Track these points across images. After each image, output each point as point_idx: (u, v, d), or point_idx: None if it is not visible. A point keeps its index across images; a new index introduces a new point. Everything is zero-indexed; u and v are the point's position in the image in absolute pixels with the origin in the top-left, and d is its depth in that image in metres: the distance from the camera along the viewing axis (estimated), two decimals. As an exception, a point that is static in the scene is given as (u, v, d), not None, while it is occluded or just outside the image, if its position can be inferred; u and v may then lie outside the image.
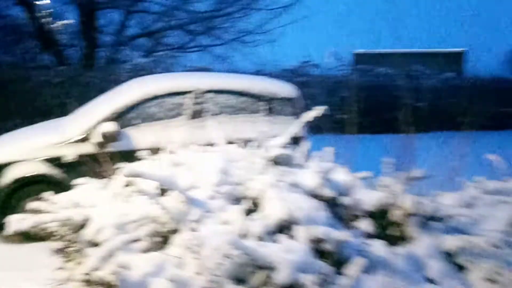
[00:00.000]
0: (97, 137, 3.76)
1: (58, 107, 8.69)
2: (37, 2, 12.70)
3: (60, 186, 3.74)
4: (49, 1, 13.04)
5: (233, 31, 14.59)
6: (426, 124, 10.96)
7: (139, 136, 3.89)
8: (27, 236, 3.37)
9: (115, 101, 3.97)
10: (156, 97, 4.00)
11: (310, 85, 9.29)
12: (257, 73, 10.22)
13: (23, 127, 8.60)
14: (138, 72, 9.27)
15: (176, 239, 1.13)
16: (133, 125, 3.93)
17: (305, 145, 1.61)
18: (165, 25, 13.83)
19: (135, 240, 1.20)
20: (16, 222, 1.56)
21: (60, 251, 1.86)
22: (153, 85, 4.04)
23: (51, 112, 8.71)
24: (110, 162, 3.83)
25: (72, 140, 3.77)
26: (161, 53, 10.94)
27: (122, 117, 3.90)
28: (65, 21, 15.67)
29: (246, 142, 4.11)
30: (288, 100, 4.35)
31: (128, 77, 9.13)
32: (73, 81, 8.78)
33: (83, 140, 3.79)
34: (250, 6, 13.72)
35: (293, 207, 1.09)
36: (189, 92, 4.08)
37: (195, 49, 14.67)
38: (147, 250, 1.16)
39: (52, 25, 12.95)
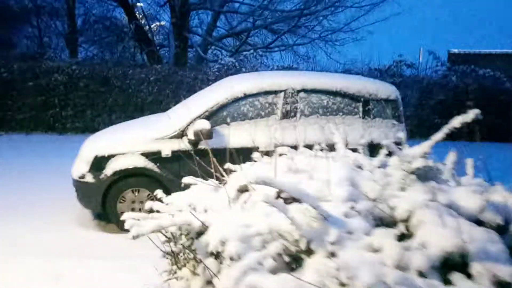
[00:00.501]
0: (190, 135, 3.80)
1: (153, 103, 9.23)
2: (136, 4, 13.66)
3: (156, 180, 3.87)
4: (145, 4, 13.97)
5: (319, 29, 14.30)
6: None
7: (231, 135, 3.87)
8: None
9: (208, 100, 3.99)
10: (248, 96, 3.94)
11: (403, 85, 8.66)
12: (344, 72, 9.84)
13: (123, 121, 9.50)
14: (226, 71, 9.47)
15: (310, 262, 0.97)
16: (225, 123, 3.92)
17: (452, 157, 1.36)
18: (251, 25, 14.06)
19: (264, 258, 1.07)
20: (134, 225, 1.51)
21: (170, 254, 1.81)
22: (245, 84, 3.98)
23: (147, 108, 9.30)
24: (205, 160, 3.89)
25: (168, 136, 3.86)
26: (246, 52, 11.07)
27: (215, 115, 3.91)
28: (160, 23, 16.73)
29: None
30: (388, 101, 4.01)
31: (217, 75, 9.40)
32: (166, 79, 9.21)
33: (178, 136, 3.86)
34: (338, 4, 13.31)
35: (463, 236, 0.87)
36: (282, 91, 3.95)
37: (280, 48, 14.69)
38: (276, 271, 1.02)
39: (148, 26, 13.86)
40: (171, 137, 3.86)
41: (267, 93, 3.95)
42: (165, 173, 3.84)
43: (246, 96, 3.93)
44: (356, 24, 13.54)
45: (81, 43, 15.83)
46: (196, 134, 3.72)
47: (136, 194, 3.91)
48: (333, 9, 13.51)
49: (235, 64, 9.62)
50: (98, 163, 3.87)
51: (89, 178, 3.87)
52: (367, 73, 9.79)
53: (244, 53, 11.00)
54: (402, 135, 4.14)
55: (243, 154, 3.94)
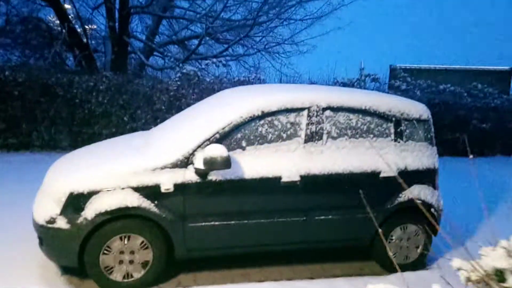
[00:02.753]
0: (199, 163, 3.01)
1: (103, 116, 8.07)
2: (64, 5, 12.25)
3: (152, 223, 3.02)
4: (77, 4, 12.58)
5: (264, 41, 14.06)
6: (491, 147, 10.15)
7: (247, 162, 3.15)
8: None
9: (218, 119, 3.22)
10: (266, 114, 3.25)
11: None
12: (309, 84, 9.49)
13: (66, 136, 8.18)
14: (189, 81, 8.62)
15: None
16: (240, 148, 3.19)
17: None
18: (197, 33, 13.35)
19: None
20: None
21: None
22: (263, 100, 3.29)
23: (95, 121, 8.10)
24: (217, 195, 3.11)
25: (169, 165, 3.03)
26: (208, 61, 10.29)
27: (227, 138, 3.16)
28: (92, 26, 15.29)
29: (373, 174, 3.37)
30: (420, 121, 3.56)
31: (179, 85, 8.51)
32: (119, 88, 8.12)
33: (182, 165, 3.04)
34: (283, 17, 13.20)
35: None
36: (305, 109, 3.32)
37: (228, 58, 14.09)
38: None
39: (82, 29, 12.50)
40: (173, 166, 3.03)
41: (288, 111, 3.30)
42: (165, 214, 2.99)
43: (264, 115, 3.24)
44: (299, 37, 13.72)
45: (1, 46, 13.86)
46: (207, 162, 2.95)
47: (126, 242, 3.00)
48: (281, 21, 13.42)
49: (197, 73, 8.81)
50: (75, 203, 2.91)
51: (62, 223, 2.89)
52: (332, 86, 9.54)
53: (206, 62, 10.21)
54: (435, 160, 3.75)
55: (263, 186, 3.27)
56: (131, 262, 3.03)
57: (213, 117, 3.30)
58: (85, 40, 11.64)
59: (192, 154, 3.07)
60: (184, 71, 8.63)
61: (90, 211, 2.89)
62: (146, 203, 2.96)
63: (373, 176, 3.35)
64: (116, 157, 3.22)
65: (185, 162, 3.06)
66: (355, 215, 3.35)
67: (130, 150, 3.36)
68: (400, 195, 3.42)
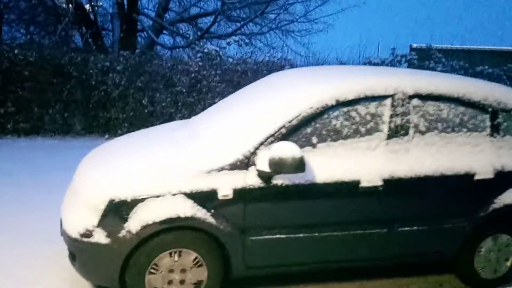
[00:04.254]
0: (263, 164, 2.46)
1: (120, 98, 7.49)
2: None
3: (208, 236, 2.49)
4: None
5: (278, 19, 13.34)
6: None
7: (319, 163, 2.59)
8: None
9: (283, 109, 2.65)
10: (342, 104, 2.67)
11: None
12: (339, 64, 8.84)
13: (81, 120, 7.60)
14: (211, 60, 7.99)
15: None
16: (310, 145, 2.63)
17: None
18: (208, 11, 12.65)
19: None
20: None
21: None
22: (337, 87, 2.71)
23: (112, 104, 7.52)
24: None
25: (226, 167, 2.48)
26: (230, 39, 9.61)
27: (295, 134, 2.59)
28: (99, 3, 14.55)
29: (467, 176, 2.81)
30: (521, 113, 2.98)
31: (200, 66, 7.88)
32: (137, 68, 7.52)
33: (241, 167, 2.49)
34: None
35: None
36: (388, 97, 2.74)
37: (242, 37, 13.37)
38: None
39: (90, 6, 11.81)
40: (231, 168, 2.48)
41: (368, 99, 2.71)
42: (222, 225, 2.46)
43: (339, 104, 2.66)
44: (314, 15, 13.03)
45: (6, 23, 13.18)
46: (275, 164, 2.39)
47: (176, 258, 2.48)
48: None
49: (219, 53, 8.17)
50: (116, 212, 2.38)
51: (100, 237, 2.37)
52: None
53: (228, 40, 9.53)
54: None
55: (337, 193, 2.73)
56: (181, 282, 2.51)
57: (275, 108, 2.73)
58: (92, 17, 11.03)
59: (254, 153, 2.52)
60: (206, 50, 7.99)
61: (135, 222, 2.36)
62: (201, 213, 2.42)
63: (466, 178, 2.79)
64: (162, 155, 2.66)
65: (246, 163, 2.50)
66: (443, 225, 2.81)
67: (176, 146, 2.80)
68: (496, 200, 2.87)
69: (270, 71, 8.21)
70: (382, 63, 8.90)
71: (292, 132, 2.58)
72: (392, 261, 2.93)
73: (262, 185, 2.50)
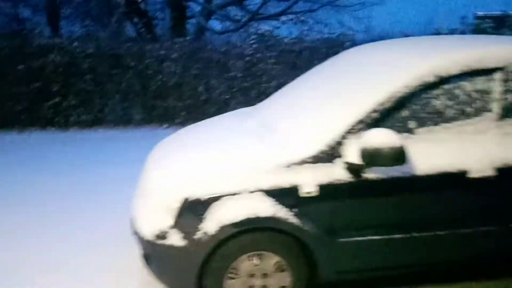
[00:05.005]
0: (352, 155, 2.14)
1: (175, 87, 7.41)
2: None
3: (291, 237, 2.22)
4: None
5: None
6: None
7: (419, 151, 2.21)
8: None
9: (370, 90, 2.29)
10: (443, 81, 2.26)
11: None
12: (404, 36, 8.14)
13: (139, 111, 7.64)
14: (265, 42, 7.66)
15: None
16: (406, 131, 2.25)
17: None
18: None
19: None
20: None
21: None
22: (437, 60, 2.29)
23: (168, 93, 7.47)
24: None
25: (308, 159, 2.18)
26: (285, 18, 9.20)
27: (388, 117, 2.23)
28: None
29: None
30: None
31: (255, 49, 7.58)
32: (191, 56, 7.37)
33: (325, 159, 2.18)
34: None
35: None
36: (498, 69, 2.28)
37: (296, 16, 12.81)
38: None
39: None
40: (314, 161, 2.18)
41: (473, 73, 2.27)
42: (307, 226, 2.17)
43: (440, 81, 2.25)
44: None
45: (64, 17, 13.63)
46: (368, 155, 2.06)
47: (257, 262, 2.25)
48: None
49: (273, 33, 7.81)
50: (191, 212, 2.18)
51: (176, 239, 2.18)
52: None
53: (282, 18, 9.13)
54: None
55: (441, 186, 2.33)
56: None
57: (362, 89, 2.37)
58: (143, 7, 11.08)
59: (340, 142, 2.19)
60: (260, 31, 7.65)
61: (212, 223, 2.14)
62: (282, 212, 2.15)
63: None
64: (236, 149, 2.41)
65: (331, 155, 2.19)
66: None
67: (249, 138, 2.53)
68: None
69: (328, 49, 7.74)
70: (452, 33, 8.07)
71: (384, 116, 2.21)
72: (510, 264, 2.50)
73: (351, 179, 2.18)
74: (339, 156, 2.18)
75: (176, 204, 2.19)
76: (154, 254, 2.29)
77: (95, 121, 7.25)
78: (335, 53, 7.67)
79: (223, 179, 2.19)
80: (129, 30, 13.65)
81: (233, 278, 2.24)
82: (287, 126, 2.48)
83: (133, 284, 2.64)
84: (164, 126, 7.34)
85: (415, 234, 2.27)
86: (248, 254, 2.22)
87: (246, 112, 3.26)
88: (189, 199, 2.17)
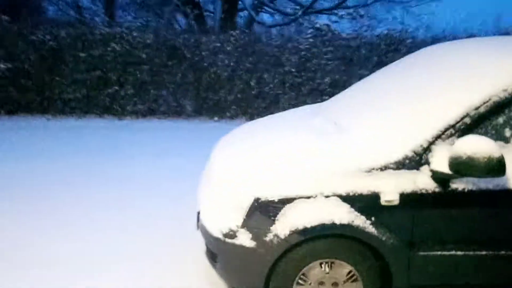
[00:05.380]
0: (440, 163, 1.96)
1: (229, 80, 7.39)
2: None
3: (366, 247, 2.09)
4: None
5: None
6: None
7: (515, 162, 1.99)
8: None
9: (463, 93, 2.09)
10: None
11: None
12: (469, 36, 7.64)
13: (192, 103, 7.68)
14: (321, 37, 7.47)
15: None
16: (501, 139, 2.04)
17: None
18: None
19: None
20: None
21: None
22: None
23: (221, 85, 7.47)
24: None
25: (391, 166, 2.03)
26: (343, 12, 8.94)
27: (479, 124, 2.03)
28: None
29: None
30: None
31: (311, 44, 7.40)
32: (245, 48, 7.32)
33: (410, 166, 2.02)
34: None
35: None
36: None
37: (354, 9, 12.41)
38: None
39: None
40: (397, 167, 2.03)
41: None
42: (384, 236, 2.03)
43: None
44: None
45: (121, 7, 14.01)
46: (459, 163, 1.87)
47: (327, 270, 2.14)
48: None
49: (330, 28, 7.58)
50: (262, 213, 2.10)
51: (245, 240, 2.11)
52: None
53: (341, 13, 8.87)
54: None
55: None
56: (333, 298, 2.17)
57: (452, 91, 2.17)
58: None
59: (428, 149, 2.02)
60: (317, 25, 7.46)
61: (283, 226, 2.05)
62: (359, 220, 2.02)
63: None
64: (308, 148, 2.30)
65: (417, 161, 2.02)
66: None
67: (320, 137, 2.41)
68: None
69: (388, 46, 7.44)
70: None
71: (478, 122, 2.01)
72: None
73: (437, 189, 2.00)
74: (425, 163, 2.02)
75: (247, 203, 2.12)
76: (221, 252, 2.23)
77: (150, 111, 7.40)
78: (395, 50, 7.41)
79: (298, 181, 2.09)
80: (181, 21, 13.90)
81: (302, 285, 2.14)
82: (364, 128, 2.32)
83: (197, 278, 2.62)
84: (215, 119, 7.36)
85: (505, 253, 2.06)
86: (320, 261, 2.11)
87: (312, 110, 3.13)
88: (261, 199, 2.09)
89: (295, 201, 2.06)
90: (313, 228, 2.03)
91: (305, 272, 2.13)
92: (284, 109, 7.74)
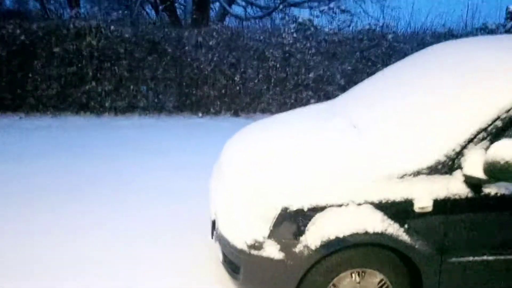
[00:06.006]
0: (473, 168, 1.92)
1: (211, 75, 7.18)
2: None
3: (398, 255, 2.03)
4: None
5: None
6: None
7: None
8: None
9: (493, 96, 2.05)
10: None
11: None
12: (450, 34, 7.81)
13: (174, 99, 7.42)
14: (304, 32, 7.38)
15: None
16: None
17: None
18: None
19: None
20: None
21: None
22: None
23: (203, 81, 7.27)
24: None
25: (424, 171, 1.97)
26: (325, 7, 8.87)
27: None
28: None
29: None
30: None
31: (295, 39, 7.29)
32: (228, 43, 7.13)
33: (442, 171, 1.97)
34: None
35: None
36: None
37: (335, 3, 12.38)
38: None
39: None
40: (430, 172, 1.97)
41: None
42: (417, 243, 1.98)
43: None
44: None
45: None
46: (494, 168, 1.83)
47: (359, 279, 2.06)
48: None
49: (313, 22, 7.51)
50: (291, 222, 1.99)
51: (272, 251, 2.00)
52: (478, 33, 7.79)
53: (322, 7, 8.81)
54: None
55: None
56: (363, 308, 2.10)
57: (478, 92, 2.13)
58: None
59: (460, 153, 1.97)
60: (300, 20, 7.37)
61: (314, 236, 1.95)
62: (392, 228, 1.95)
63: None
64: (334, 152, 2.20)
65: (450, 166, 1.97)
66: None
67: (343, 139, 2.32)
68: None
69: (370, 40, 7.46)
70: (500, 29, 7.71)
71: (510, 125, 1.99)
72: None
73: (469, 194, 1.96)
74: (458, 168, 1.97)
75: (273, 212, 2.00)
76: (245, 264, 2.10)
77: (129, 108, 7.08)
78: (378, 45, 7.43)
79: (328, 189, 1.99)
80: (150, 13, 13.40)
81: (339, 295, 2.06)
82: (391, 131, 2.25)
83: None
84: (199, 115, 7.16)
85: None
86: (351, 270, 2.03)
87: (326, 109, 3.03)
88: (289, 209, 1.97)
89: (326, 210, 1.97)
90: (346, 238, 1.94)
91: (336, 283, 2.04)
92: (269, 104, 7.69)
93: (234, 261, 2.16)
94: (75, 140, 5.31)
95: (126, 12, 11.47)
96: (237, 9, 12.78)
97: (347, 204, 1.96)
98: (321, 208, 1.97)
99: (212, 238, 2.43)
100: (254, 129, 2.88)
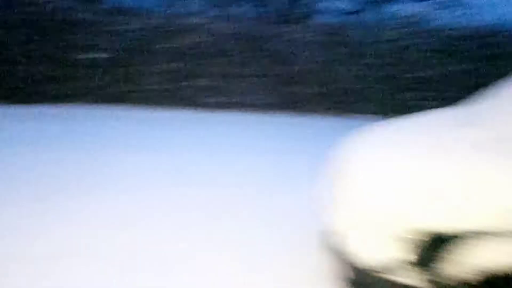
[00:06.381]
0: None
1: (308, 74, 7.02)
2: None
3: None
4: None
5: None
6: None
7: None
8: None
9: None
10: None
11: None
12: None
13: (268, 101, 7.24)
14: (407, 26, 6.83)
15: None
16: None
17: None
18: None
19: None
20: None
21: None
22: None
23: (309, 81, 7.04)
24: None
25: None
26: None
27: None
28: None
29: None
30: None
31: (401, 34, 6.80)
32: (325, 41, 6.88)
33: None
34: None
35: None
36: None
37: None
38: None
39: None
40: None
41: None
42: None
43: None
44: None
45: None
46: None
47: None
48: None
49: (420, 17, 6.93)
50: (429, 248, 1.75)
51: (408, 276, 1.78)
52: None
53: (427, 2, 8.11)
54: None
55: None
56: None
57: None
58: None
59: None
60: (405, 14, 6.84)
61: (462, 266, 1.68)
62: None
63: None
64: (489, 173, 1.89)
65: None
66: None
67: (491, 154, 1.98)
68: None
69: (490, 38, 6.65)
70: None
71: None
72: None
73: None
74: None
75: (415, 235, 1.76)
76: (371, 285, 1.91)
77: (225, 104, 7.19)
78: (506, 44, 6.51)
79: (482, 214, 1.70)
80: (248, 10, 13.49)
81: None
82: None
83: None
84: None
85: None
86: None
87: (456, 116, 2.65)
88: (435, 233, 1.73)
89: (477, 238, 1.69)
90: (499, 270, 1.65)
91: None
92: (378, 105, 6.94)
93: (358, 279, 1.97)
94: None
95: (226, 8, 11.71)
96: (338, 4, 12.28)
97: (503, 233, 1.66)
98: (472, 235, 1.69)
99: (326, 250, 2.27)
100: (382, 135, 2.58)
